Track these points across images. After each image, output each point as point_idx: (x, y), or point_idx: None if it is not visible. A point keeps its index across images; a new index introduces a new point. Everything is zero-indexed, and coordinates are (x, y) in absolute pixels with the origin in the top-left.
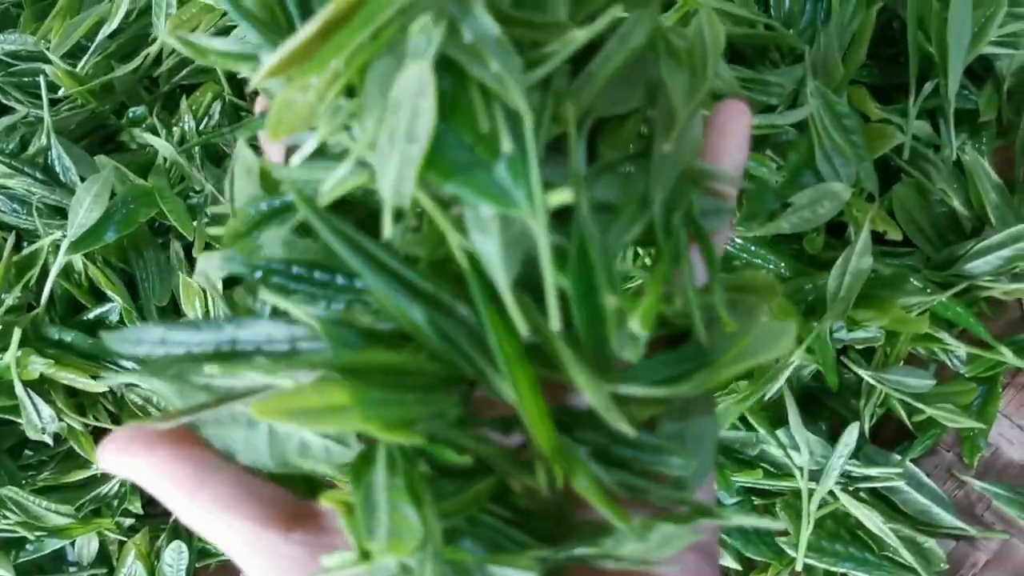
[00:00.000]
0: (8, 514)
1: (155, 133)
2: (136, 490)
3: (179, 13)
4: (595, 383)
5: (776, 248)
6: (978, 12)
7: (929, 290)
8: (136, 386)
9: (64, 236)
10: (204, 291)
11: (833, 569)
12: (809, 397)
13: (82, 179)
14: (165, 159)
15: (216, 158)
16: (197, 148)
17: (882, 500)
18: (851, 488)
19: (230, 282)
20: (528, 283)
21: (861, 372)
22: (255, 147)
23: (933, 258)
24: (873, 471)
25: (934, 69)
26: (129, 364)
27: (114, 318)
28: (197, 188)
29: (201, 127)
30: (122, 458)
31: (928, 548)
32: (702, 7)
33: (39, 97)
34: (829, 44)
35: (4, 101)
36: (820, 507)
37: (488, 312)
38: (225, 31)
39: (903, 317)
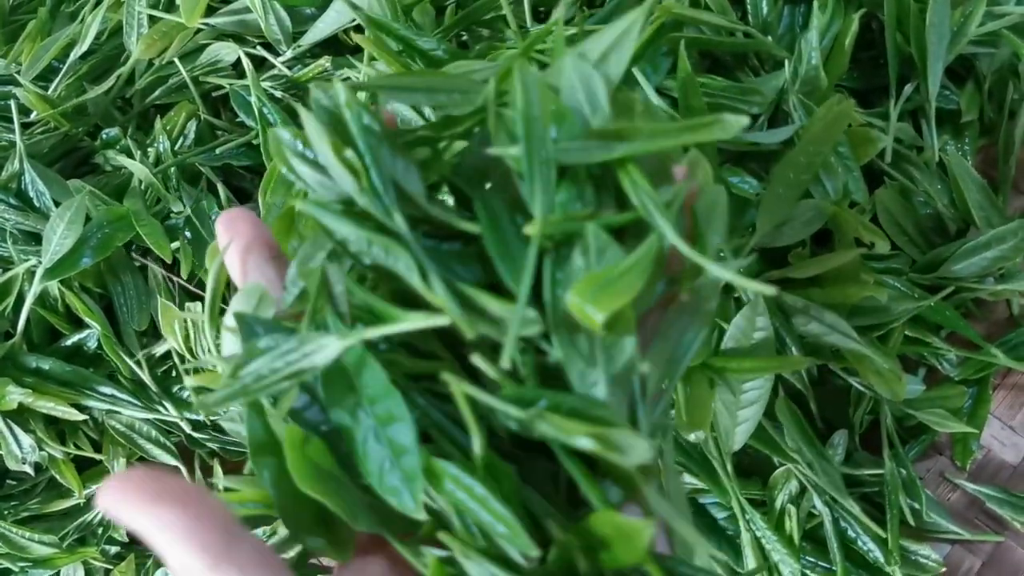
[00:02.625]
0: None
1: (129, 155)
2: None
3: (151, 32)
4: None
5: (760, 261)
6: (957, 12)
7: (916, 294)
8: (118, 413)
9: (39, 263)
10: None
11: None
12: (800, 405)
13: (56, 204)
14: (140, 181)
15: (192, 178)
16: (173, 168)
17: (875, 507)
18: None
19: None
20: None
21: (850, 379)
22: None
23: (919, 261)
24: (865, 477)
25: (915, 71)
26: (108, 391)
27: (92, 344)
28: (175, 209)
29: (176, 147)
30: (134, 508)
31: (923, 554)
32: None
33: (11, 121)
34: (810, 53)
35: None
36: (812, 516)
37: None
38: (198, 49)
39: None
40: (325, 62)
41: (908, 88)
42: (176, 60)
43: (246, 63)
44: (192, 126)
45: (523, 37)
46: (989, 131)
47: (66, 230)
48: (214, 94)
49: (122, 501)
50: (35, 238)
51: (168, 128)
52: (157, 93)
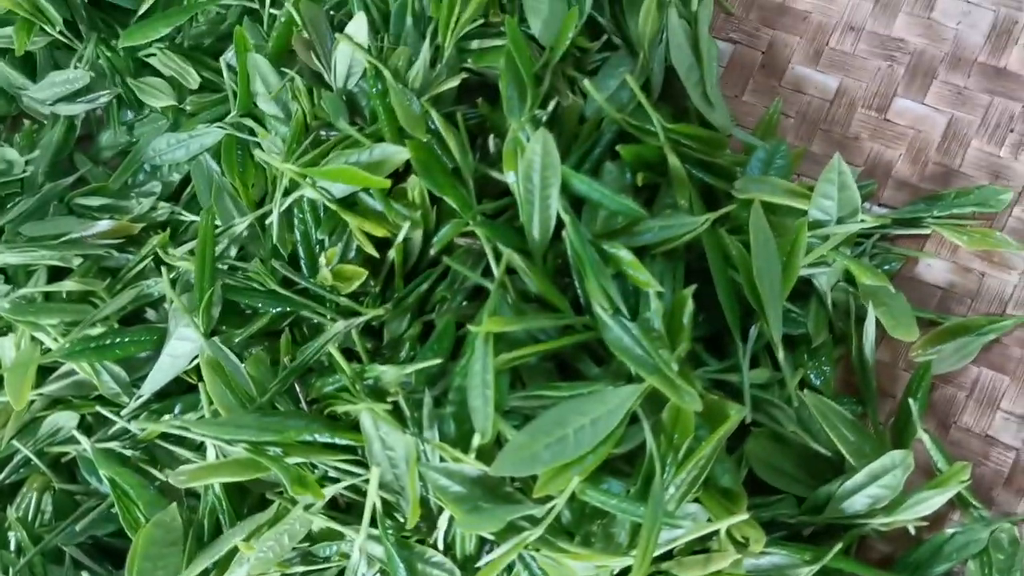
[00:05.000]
0: None
1: None
2: None
3: None
4: None
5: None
6: (784, 241)
7: (807, 557)
8: None
9: None
10: None
11: None
12: None
13: None
14: None
15: (59, 556)
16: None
17: None
18: None
19: None
20: None
21: None
22: None
23: (807, 499)
24: None
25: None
26: None
27: None
28: None
29: (37, 526)
30: None
31: None
32: None
33: None
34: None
35: None
36: None
37: None
38: (37, 419)
39: None
40: (166, 426)
41: (753, 331)
42: (16, 440)
43: (79, 436)
44: (48, 499)
45: (357, 376)
46: (843, 340)
47: None
48: (64, 459)
49: None
50: None
51: (22, 512)
52: (5, 472)
